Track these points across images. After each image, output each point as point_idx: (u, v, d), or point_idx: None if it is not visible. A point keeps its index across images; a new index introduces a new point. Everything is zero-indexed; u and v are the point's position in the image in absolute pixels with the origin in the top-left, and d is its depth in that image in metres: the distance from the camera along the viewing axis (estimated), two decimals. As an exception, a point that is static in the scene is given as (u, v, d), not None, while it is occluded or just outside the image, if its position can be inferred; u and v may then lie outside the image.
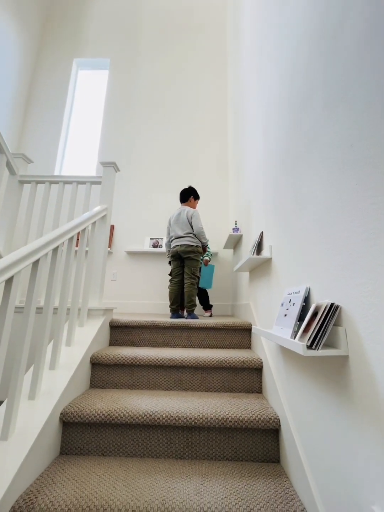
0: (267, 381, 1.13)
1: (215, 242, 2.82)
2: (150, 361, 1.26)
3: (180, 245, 2.05)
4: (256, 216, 1.59)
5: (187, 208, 2.12)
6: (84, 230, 1.36)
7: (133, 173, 3.11)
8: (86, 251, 1.49)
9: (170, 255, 2.13)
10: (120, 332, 1.57)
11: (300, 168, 0.87)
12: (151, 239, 2.91)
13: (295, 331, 0.73)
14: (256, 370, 1.25)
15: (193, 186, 2.92)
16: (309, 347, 0.59)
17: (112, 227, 2.93)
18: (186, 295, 2.02)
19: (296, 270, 0.88)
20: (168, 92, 3.42)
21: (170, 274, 2.18)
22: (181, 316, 2.12)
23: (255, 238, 1.50)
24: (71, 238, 1.22)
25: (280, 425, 0.95)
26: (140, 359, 1.26)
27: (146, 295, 2.72)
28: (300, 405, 0.79)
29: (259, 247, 1.39)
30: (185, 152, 3.18)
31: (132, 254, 2.86)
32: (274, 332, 0.85)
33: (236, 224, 2.10)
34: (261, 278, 1.39)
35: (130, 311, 2.67)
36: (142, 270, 2.80)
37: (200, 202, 2.95)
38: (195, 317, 1.98)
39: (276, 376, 1.04)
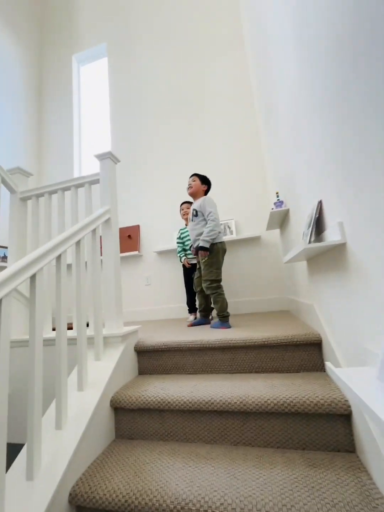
0: (362, 434, 0.70)
1: (254, 224, 2.32)
2: (183, 405, 0.93)
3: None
4: (306, 180, 1.09)
5: None
6: (79, 242, 1.08)
7: (150, 164, 2.78)
8: (97, 266, 1.22)
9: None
10: (149, 357, 1.29)
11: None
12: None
13: None
14: (340, 417, 0.81)
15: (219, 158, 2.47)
16: None
17: (137, 227, 2.69)
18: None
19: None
20: (178, 74, 2.93)
21: None
22: (207, 322, 1.80)
23: (309, 212, 1.01)
24: (58, 257, 0.95)
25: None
26: (171, 403, 0.95)
27: (182, 297, 2.42)
28: None
29: (318, 226, 0.91)
30: (207, 130, 2.70)
31: (162, 254, 2.58)
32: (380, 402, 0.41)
33: (278, 196, 1.59)
34: (329, 273, 0.91)
35: (165, 317, 2.41)
36: (175, 270, 2.50)
37: (228, 177, 2.47)
38: (223, 325, 1.56)
39: (377, 431, 0.60)
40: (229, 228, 2.34)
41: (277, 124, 1.52)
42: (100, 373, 1.07)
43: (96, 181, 1.43)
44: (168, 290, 2.48)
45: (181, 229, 2.30)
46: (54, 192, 1.53)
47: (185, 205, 2.28)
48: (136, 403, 0.99)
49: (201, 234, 1.68)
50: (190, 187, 1.83)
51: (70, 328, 1.88)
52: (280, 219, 1.79)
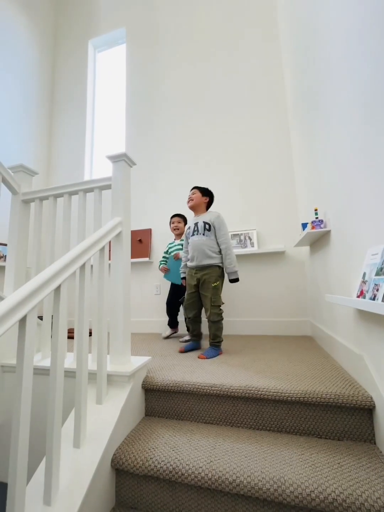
0: None
1: (279, 236, 2.10)
2: (200, 480, 0.75)
3: None
4: (376, 199, 0.87)
5: None
6: (83, 265, 0.90)
7: (166, 163, 2.57)
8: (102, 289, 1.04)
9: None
10: (159, 397, 1.11)
11: None
12: (195, 240, 2.38)
13: None
14: (413, 533, 0.61)
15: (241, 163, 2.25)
16: None
17: (149, 231, 2.50)
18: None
19: None
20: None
21: None
22: (199, 346, 1.70)
23: (373, 251, 0.79)
24: (58, 288, 0.77)
25: None
26: (184, 475, 0.77)
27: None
28: None
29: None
30: (232, 127, 2.46)
31: (175, 260, 2.39)
32: None
33: (317, 213, 1.36)
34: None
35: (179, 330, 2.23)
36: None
37: (252, 182, 2.25)
38: (218, 351, 1.52)
39: None
40: (250, 239, 2.12)
41: (327, 125, 1.29)
42: (102, 422, 0.90)
43: (108, 187, 1.24)
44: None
45: (170, 244, 2.20)
46: (60, 196, 1.35)
47: (176, 219, 2.18)
48: (142, 468, 0.81)
49: (211, 249, 1.58)
50: (190, 200, 1.72)
51: (70, 336, 1.74)
52: (314, 239, 1.56)
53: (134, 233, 2.55)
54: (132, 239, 2.53)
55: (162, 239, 2.46)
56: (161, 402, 1.10)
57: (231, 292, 2.15)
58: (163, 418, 1.08)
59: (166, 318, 2.21)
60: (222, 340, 1.56)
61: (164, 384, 1.09)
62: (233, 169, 2.34)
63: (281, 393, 0.94)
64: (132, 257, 2.45)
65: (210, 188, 1.76)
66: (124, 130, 2.85)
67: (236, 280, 1.56)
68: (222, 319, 1.56)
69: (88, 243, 0.93)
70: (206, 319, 1.57)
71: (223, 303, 1.59)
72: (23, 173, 1.46)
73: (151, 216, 2.54)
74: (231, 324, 2.08)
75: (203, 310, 1.63)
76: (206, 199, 1.73)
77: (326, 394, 0.90)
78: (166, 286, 2.36)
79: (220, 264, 1.59)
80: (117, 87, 3.15)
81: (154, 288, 2.40)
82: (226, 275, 1.60)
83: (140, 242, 2.48)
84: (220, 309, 1.56)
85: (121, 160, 1.21)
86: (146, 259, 2.36)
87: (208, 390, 1.02)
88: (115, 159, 1.22)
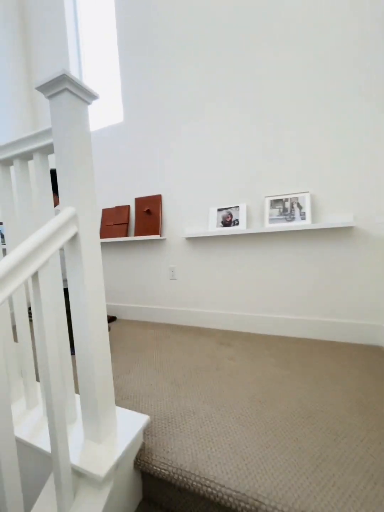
0: None
1: (345, 204, 1.40)
2: None
3: None
4: None
5: None
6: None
7: (177, 108, 1.82)
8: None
9: None
10: (159, 484, 0.74)
11: None
12: (219, 210, 1.77)
13: None
14: None
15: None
16: None
17: (159, 198, 1.94)
18: None
19: None
20: None
21: None
22: None
23: None
24: None
25: None
26: None
27: (218, 303, 1.77)
28: None
29: None
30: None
31: (193, 241, 1.87)
32: None
33: None
34: None
35: (192, 324, 1.82)
36: (211, 265, 1.80)
37: (306, 127, 1.48)
38: None
39: None
40: (300, 207, 1.47)
41: None
42: None
43: (44, 148, 0.69)
44: (201, 290, 1.84)
45: None
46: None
47: None
48: None
49: None
50: None
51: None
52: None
53: (139, 202, 2.01)
54: (137, 210, 2.00)
55: (177, 209, 1.89)
56: (166, 492, 0.73)
57: (269, 283, 1.62)
58: (167, 514, 0.72)
59: (184, 308, 1.80)
60: None
61: (165, 473, 0.70)
62: (275, 110, 1.55)
63: None
64: (138, 233, 1.96)
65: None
66: (118, 61, 2.06)
67: None
68: None
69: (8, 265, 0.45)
70: None
71: None
72: None
73: (161, 178, 1.94)
74: (272, 321, 1.61)
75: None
76: None
77: None
78: (183, 270, 1.89)
79: None
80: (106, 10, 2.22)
81: (169, 272, 1.95)
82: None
83: (148, 214, 1.95)
84: None
85: (62, 90, 0.62)
86: (157, 236, 1.85)
87: (234, 506, 0.61)
88: (51, 89, 0.63)
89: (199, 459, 0.72)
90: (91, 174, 0.70)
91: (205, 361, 1.32)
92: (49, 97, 0.64)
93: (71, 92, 0.63)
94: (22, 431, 0.76)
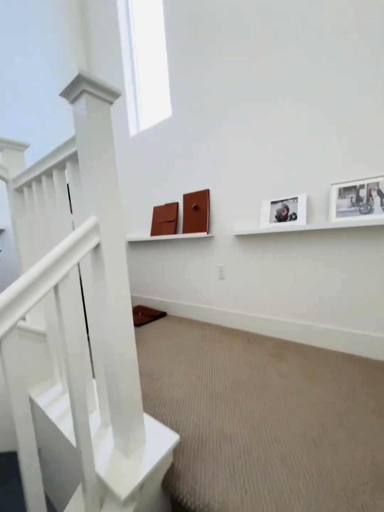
0: None
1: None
2: None
3: None
4: None
5: None
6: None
7: (227, 98, 1.65)
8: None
9: None
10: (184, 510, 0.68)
11: None
12: (273, 203, 1.55)
13: None
14: None
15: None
16: None
17: (206, 193, 1.83)
18: None
19: None
20: None
21: None
22: None
23: None
24: None
25: None
26: None
27: (277, 308, 1.58)
28: None
29: None
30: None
31: (243, 238, 1.71)
32: None
33: None
34: None
35: (242, 327, 1.66)
36: (263, 264, 1.61)
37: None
38: None
39: None
40: (382, 195, 1.15)
41: None
42: None
43: (70, 157, 0.68)
44: (251, 291, 1.68)
45: None
46: (38, 180, 0.89)
47: None
48: None
49: None
50: None
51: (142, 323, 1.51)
52: None
53: (187, 198, 1.95)
54: (186, 207, 1.95)
55: (226, 205, 1.76)
56: (192, 524, 0.67)
57: (335, 289, 1.36)
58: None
59: (233, 310, 1.68)
60: None
61: (190, 507, 0.63)
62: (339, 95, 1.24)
63: None
64: (186, 231, 1.91)
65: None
66: (165, 53, 2.00)
67: None
68: None
69: (22, 285, 0.45)
70: None
71: None
72: (9, 150, 1.06)
73: (209, 173, 1.82)
74: (338, 335, 1.36)
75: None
76: None
77: None
78: (233, 269, 1.77)
79: None
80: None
81: (217, 271, 1.85)
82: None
83: (196, 210, 1.88)
84: None
85: (81, 92, 0.59)
86: (204, 234, 1.77)
87: None
88: (72, 94, 0.60)
89: (231, 501, 0.63)
90: (115, 180, 0.65)
91: (251, 374, 1.20)
92: (72, 102, 0.61)
93: (89, 93, 0.59)
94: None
